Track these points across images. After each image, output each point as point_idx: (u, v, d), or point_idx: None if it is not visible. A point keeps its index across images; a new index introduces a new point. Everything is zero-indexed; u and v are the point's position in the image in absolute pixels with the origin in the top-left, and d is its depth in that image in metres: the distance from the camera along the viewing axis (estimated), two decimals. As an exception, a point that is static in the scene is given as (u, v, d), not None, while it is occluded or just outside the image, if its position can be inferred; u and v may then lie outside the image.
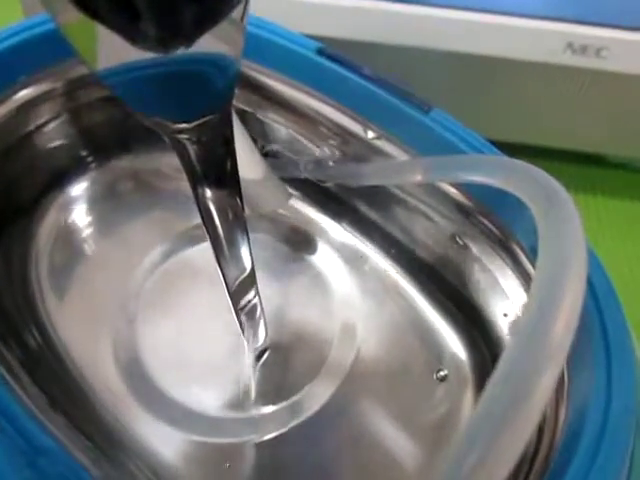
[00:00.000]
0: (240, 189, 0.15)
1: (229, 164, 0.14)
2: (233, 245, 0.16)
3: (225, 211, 0.15)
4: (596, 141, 0.35)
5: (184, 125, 0.13)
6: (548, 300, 0.08)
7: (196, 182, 0.14)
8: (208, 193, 0.15)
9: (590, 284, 0.14)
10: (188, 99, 0.12)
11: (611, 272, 0.32)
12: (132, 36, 0.08)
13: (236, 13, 0.10)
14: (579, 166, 0.37)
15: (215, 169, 0.14)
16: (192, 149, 0.13)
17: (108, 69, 0.10)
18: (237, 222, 0.16)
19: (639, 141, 0.34)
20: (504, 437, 0.08)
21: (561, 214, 0.10)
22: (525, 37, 0.28)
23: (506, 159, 0.13)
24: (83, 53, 0.10)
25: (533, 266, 0.17)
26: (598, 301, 0.14)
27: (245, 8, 0.11)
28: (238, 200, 0.15)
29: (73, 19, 0.09)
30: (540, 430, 0.15)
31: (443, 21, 0.26)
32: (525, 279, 0.18)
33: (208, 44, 0.10)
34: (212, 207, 0.15)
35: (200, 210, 0.15)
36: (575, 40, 0.28)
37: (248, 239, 0.16)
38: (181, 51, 0.10)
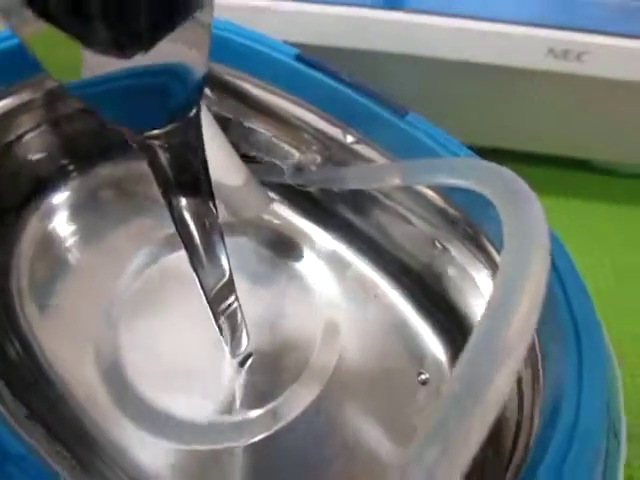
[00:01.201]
0: (213, 194, 0.15)
1: (200, 169, 0.14)
2: (209, 252, 0.16)
3: (199, 218, 0.15)
4: (581, 146, 0.35)
5: (155, 132, 0.13)
6: (508, 293, 0.08)
7: (168, 190, 0.14)
8: (180, 200, 0.15)
9: (555, 268, 0.15)
10: (155, 106, 0.12)
11: (595, 275, 0.32)
12: (88, 40, 0.08)
13: (200, 16, 0.10)
14: (564, 171, 0.37)
15: (186, 174, 0.14)
16: (163, 155, 0.13)
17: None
18: (212, 228, 0.16)
19: (624, 146, 0.34)
20: (467, 425, 0.08)
21: (524, 209, 0.10)
22: (507, 43, 0.28)
23: (474, 161, 0.13)
24: (48, 67, 0.10)
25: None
26: (565, 289, 0.14)
27: (209, 12, 0.11)
28: (211, 205, 0.15)
29: (33, 32, 0.09)
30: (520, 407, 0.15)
31: (424, 28, 0.27)
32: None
33: (170, 49, 0.10)
34: (185, 214, 0.15)
35: (173, 218, 0.15)
36: (556, 45, 0.28)
37: (224, 245, 0.16)
38: (145, 59, 0.10)
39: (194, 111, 0.13)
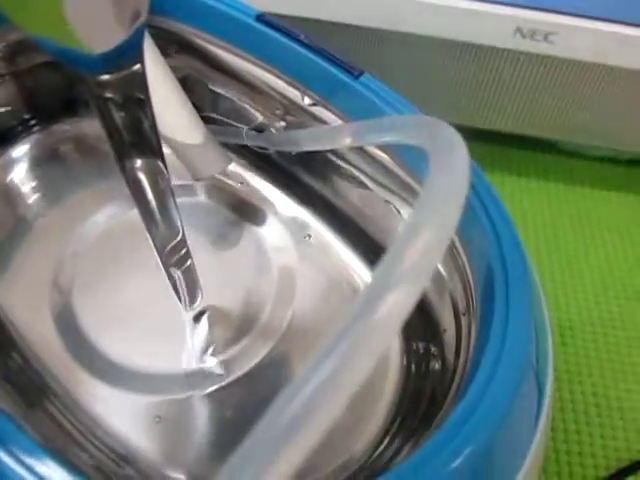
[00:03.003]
0: (162, 153, 0.15)
1: (150, 128, 0.15)
2: (162, 212, 0.17)
3: (151, 178, 0.16)
4: (549, 127, 0.36)
5: (106, 77, 0.13)
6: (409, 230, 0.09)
7: (121, 150, 0.15)
8: (133, 161, 0.15)
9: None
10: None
11: (561, 257, 0.32)
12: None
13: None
14: (532, 151, 0.38)
15: (138, 134, 0.15)
16: (115, 112, 0.14)
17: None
18: (164, 189, 0.16)
19: (590, 128, 0.35)
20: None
21: (448, 155, 0.11)
22: (475, 21, 0.28)
23: (414, 117, 0.14)
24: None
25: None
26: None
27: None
28: (162, 166, 0.16)
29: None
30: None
31: (390, 2, 0.27)
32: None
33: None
34: (138, 175, 0.16)
35: (127, 180, 0.16)
36: (524, 25, 0.29)
37: (176, 205, 0.17)
38: None
39: (138, 64, 0.13)
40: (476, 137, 0.36)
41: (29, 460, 0.11)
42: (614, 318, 0.30)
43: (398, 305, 0.08)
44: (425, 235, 0.09)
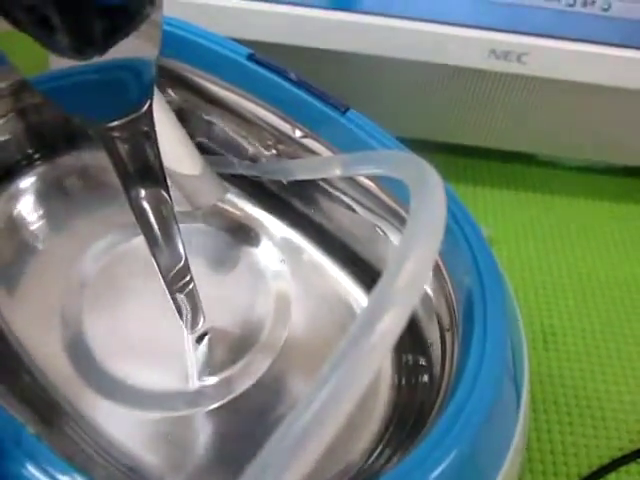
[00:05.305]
0: (167, 183, 0.16)
1: (155, 159, 0.16)
2: (166, 239, 0.17)
3: (156, 206, 0.17)
4: (527, 141, 0.37)
5: (112, 124, 0.14)
6: (394, 266, 0.10)
7: (127, 180, 0.16)
8: (139, 190, 0.16)
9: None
10: (112, 99, 0.13)
11: (542, 266, 0.34)
12: (51, 45, 0.10)
13: (154, 16, 0.12)
14: (511, 164, 0.39)
15: (143, 165, 0.16)
16: (121, 146, 0.15)
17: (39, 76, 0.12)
18: (168, 216, 0.17)
19: (566, 141, 0.37)
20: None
21: (428, 192, 0.12)
22: (451, 43, 0.30)
23: (397, 153, 0.15)
24: (14, 61, 0.11)
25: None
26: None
27: (160, 10, 0.12)
28: (166, 194, 0.17)
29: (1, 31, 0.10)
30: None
31: (371, 28, 0.28)
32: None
33: (125, 46, 0.11)
34: (143, 203, 0.16)
35: (132, 208, 0.16)
36: (497, 47, 0.30)
37: (179, 232, 0.18)
38: (98, 58, 0.11)
39: (147, 104, 0.14)
40: (456, 151, 0.38)
41: (60, 476, 0.12)
42: (593, 322, 0.32)
43: (390, 325, 0.10)
44: (410, 266, 0.10)
